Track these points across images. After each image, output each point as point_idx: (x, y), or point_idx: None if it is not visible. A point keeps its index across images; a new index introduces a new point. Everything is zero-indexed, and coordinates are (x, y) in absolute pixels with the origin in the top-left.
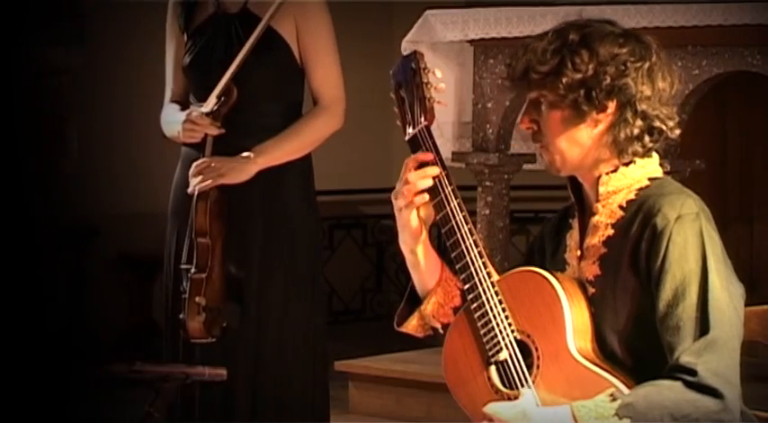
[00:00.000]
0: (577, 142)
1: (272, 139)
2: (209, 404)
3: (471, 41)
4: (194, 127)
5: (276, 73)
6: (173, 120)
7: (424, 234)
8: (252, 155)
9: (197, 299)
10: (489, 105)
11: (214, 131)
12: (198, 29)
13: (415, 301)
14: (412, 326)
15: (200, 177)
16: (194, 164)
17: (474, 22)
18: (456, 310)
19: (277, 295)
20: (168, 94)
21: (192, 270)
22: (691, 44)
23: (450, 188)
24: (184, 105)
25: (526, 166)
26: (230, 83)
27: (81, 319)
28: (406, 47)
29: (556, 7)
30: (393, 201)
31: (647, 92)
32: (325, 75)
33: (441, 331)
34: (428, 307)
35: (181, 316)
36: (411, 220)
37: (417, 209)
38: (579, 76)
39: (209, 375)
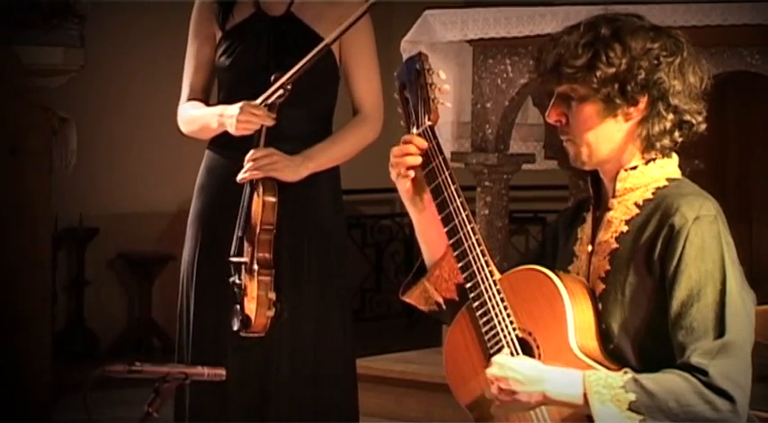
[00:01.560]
0: (606, 136)
1: (320, 144)
2: (242, 404)
3: (470, 41)
4: (251, 118)
5: (316, 78)
6: (201, 114)
7: (425, 202)
8: (302, 158)
9: (269, 294)
10: (488, 105)
11: (270, 122)
12: (236, 29)
13: (423, 273)
14: (414, 296)
15: (251, 164)
16: (253, 151)
17: (473, 22)
18: (459, 287)
19: (308, 294)
20: (186, 92)
21: (256, 267)
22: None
23: (452, 188)
24: (204, 104)
25: (525, 166)
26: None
27: (81, 319)
28: (405, 47)
29: (556, 7)
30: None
31: (679, 86)
32: (368, 84)
33: (444, 308)
34: (430, 278)
35: (237, 308)
36: (406, 189)
37: (413, 180)
38: (613, 70)
39: (208, 375)
